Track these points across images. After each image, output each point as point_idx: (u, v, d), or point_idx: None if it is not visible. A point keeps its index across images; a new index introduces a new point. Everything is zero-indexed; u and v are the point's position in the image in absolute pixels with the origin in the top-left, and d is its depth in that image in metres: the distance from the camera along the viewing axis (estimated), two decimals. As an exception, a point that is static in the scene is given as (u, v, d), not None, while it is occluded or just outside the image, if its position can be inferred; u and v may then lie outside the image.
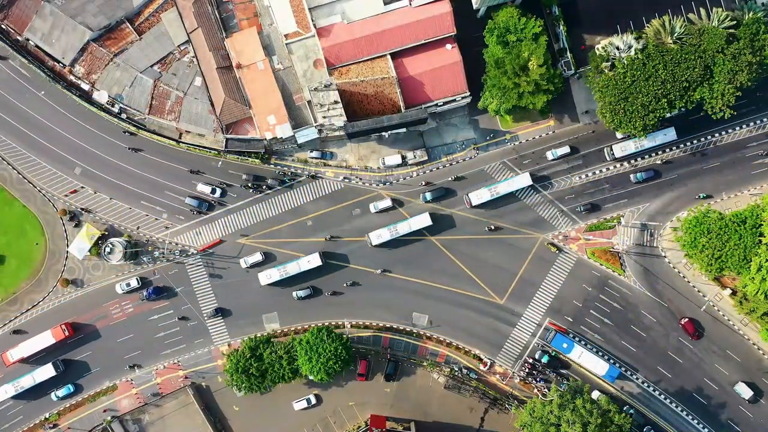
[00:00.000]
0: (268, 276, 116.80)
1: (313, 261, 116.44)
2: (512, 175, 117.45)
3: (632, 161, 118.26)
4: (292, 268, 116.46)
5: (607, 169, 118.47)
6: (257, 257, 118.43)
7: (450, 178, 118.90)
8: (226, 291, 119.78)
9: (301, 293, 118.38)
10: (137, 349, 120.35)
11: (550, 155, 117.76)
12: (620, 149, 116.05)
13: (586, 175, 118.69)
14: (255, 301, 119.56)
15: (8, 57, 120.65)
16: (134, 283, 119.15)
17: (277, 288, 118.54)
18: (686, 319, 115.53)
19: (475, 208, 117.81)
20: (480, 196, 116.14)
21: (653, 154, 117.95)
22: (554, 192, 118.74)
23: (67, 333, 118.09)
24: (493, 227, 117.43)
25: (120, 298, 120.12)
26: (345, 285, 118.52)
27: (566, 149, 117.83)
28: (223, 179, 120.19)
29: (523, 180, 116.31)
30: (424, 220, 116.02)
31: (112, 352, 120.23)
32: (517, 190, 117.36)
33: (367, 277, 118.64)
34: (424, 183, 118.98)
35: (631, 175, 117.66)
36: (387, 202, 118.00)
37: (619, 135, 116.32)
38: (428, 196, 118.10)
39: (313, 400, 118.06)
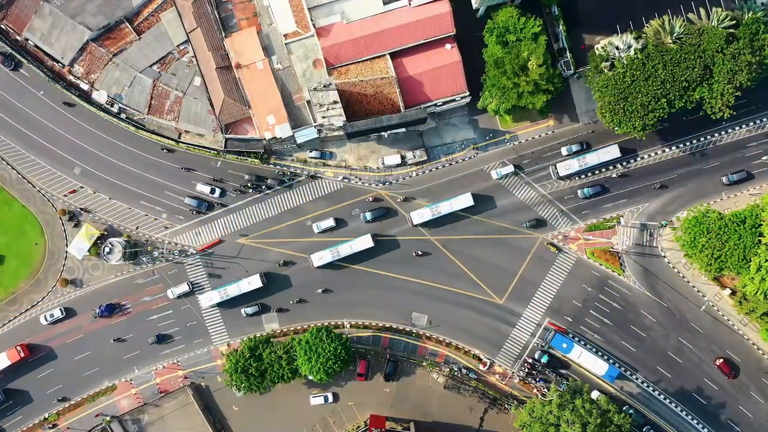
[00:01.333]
0: (209, 298, 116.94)
1: (254, 283, 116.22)
2: (455, 195, 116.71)
3: (604, 169, 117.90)
4: (233, 290, 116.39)
5: (607, 169, 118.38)
6: (184, 287, 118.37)
7: (400, 199, 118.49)
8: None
9: (249, 310, 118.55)
10: (136, 349, 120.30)
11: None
12: (564, 168, 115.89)
13: (586, 175, 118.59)
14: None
15: (20, 64, 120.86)
16: (58, 314, 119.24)
17: (276, 287, 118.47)
18: (721, 360, 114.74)
19: (476, 208, 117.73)
20: (422, 215, 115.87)
21: (612, 167, 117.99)
22: (554, 192, 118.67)
23: (22, 354, 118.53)
24: (420, 252, 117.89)
25: (120, 298, 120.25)
26: (318, 291, 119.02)
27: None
28: (221, 179, 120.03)
29: (465, 200, 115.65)
30: (366, 242, 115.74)
31: (113, 353, 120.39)
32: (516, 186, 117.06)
33: (366, 278, 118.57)
34: (371, 199, 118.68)
35: (579, 191, 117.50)
36: (330, 222, 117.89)
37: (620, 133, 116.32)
38: (368, 216, 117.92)
39: (330, 398, 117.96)
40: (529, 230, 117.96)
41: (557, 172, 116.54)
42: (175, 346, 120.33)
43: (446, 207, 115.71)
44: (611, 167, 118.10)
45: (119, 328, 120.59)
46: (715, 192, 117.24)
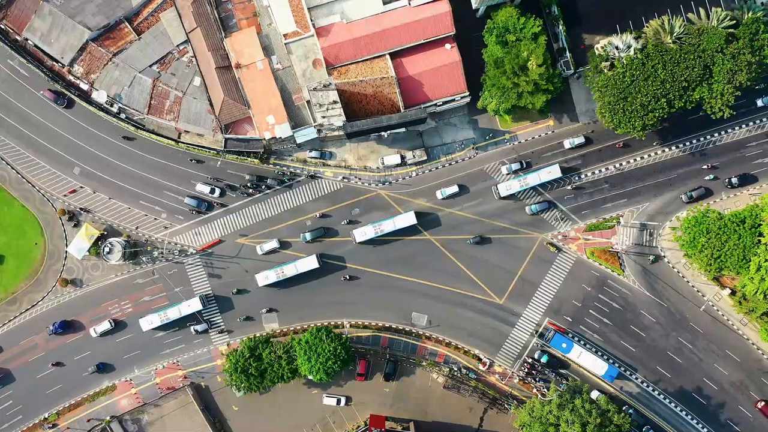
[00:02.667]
0: (149, 322, 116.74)
1: (193, 305, 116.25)
2: (399, 212, 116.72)
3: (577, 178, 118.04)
4: (173, 314, 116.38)
5: (607, 169, 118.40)
6: (105, 325, 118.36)
7: (344, 222, 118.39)
8: (225, 291, 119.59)
9: (199, 328, 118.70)
10: (136, 349, 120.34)
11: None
12: (505, 188, 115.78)
13: (585, 175, 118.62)
14: (254, 301, 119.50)
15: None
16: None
17: (275, 288, 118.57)
18: (763, 403, 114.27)
19: (470, 210, 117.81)
20: (364, 233, 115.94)
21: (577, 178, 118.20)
22: (554, 192, 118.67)
23: None
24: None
25: (119, 298, 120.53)
26: (263, 311, 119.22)
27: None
28: (221, 179, 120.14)
29: (408, 218, 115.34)
30: (311, 263, 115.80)
31: (113, 354, 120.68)
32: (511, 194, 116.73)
33: (365, 277, 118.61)
34: (319, 215, 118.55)
35: (526, 207, 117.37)
36: (273, 244, 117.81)
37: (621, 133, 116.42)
38: (308, 236, 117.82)
39: (343, 402, 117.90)
40: (529, 230, 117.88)
41: (498, 193, 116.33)
42: (176, 346, 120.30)
43: (389, 225, 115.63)
44: (612, 167, 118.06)
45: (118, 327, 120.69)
46: (715, 192, 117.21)
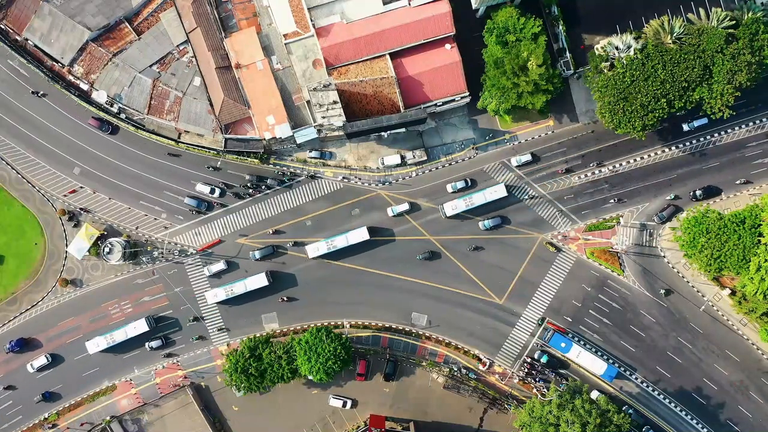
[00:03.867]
0: (96, 344, 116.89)
1: (139, 327, 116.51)
2: (353, 228, 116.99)
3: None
4: (119, 336, 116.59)
5: (607, 169, 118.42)
6: (42, 360, 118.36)
7: (291, 244, 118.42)
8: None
9: (153, 344, 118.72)
10: (136, 349, 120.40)
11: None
12: (451, 208, 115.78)
13: (585, 175, 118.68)
14: (253, 301, 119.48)
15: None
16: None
17: (274, 289, 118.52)
18: None
19: (470, 210, 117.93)
20: (317, 248, 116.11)
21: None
22: (553, 192, 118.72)
23: None
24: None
25: (119, 298, 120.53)
26: (281, 300, 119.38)
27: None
28: (223, 179, 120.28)
29: (361, 234, 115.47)
30: (260, 280, 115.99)
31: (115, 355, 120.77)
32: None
33: (366, 278, 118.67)
34: (272, 231, 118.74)
35: (479, 222, 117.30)
36: (221, 265, 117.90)
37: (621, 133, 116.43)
38: (257, 254, 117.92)
39: (349, 404, 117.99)
40: (529, 230, 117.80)
41: (444, 212, 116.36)
42: (175, 346, 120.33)
43: (342, 241, 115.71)
44: (612, 167, 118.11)
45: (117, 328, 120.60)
46: (684, 208, 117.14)
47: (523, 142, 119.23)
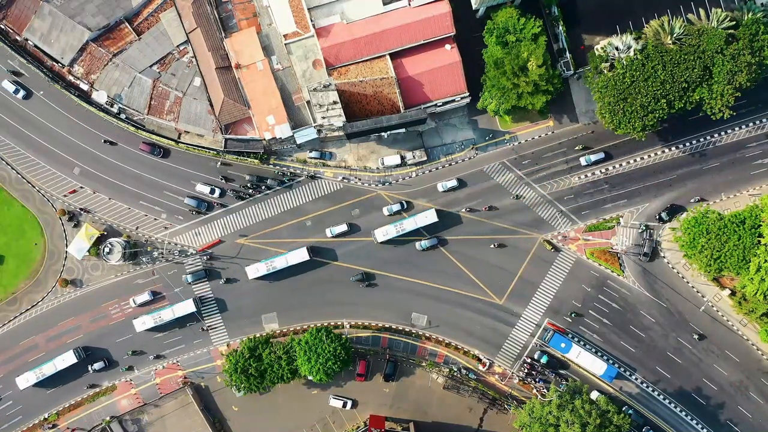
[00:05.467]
0: (26, 380, 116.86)
1: (68, 359, 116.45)
2: (290, 250, 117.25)
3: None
4: (48, 369, 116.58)
5: (607, 169, 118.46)
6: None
7: (222, 282, 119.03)
8: (224, 291, 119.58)
9: (97, 366, 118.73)
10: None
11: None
12: (381, 234, 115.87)
13: (586, 176, 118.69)
14: (254, 302, 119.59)
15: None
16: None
17: (275, 289, 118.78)
18: None
19: (469, 212, 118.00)
20: (257, 269, 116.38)
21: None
22: (553, 192, 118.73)
23: None
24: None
25: (119, 298, 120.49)
26: (202, 329, 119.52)
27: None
28: (226, 180, 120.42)
29: (301, 254, 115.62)
30: (188, 306, 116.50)
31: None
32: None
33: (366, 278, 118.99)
34: (206, 258, 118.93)
35: (416, 244, 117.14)
36: (144, 296, 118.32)
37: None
38: (189, 278, 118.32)
39: (350, 405, 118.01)
40: (529, 230, 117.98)
41: (375, 238, 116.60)
42: (175, 346, 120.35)
43: (281, 262, 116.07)
44: (612, 167, 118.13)
45: (118, 329, 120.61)
46: (715, 192, 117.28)
47: (523, 142, 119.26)
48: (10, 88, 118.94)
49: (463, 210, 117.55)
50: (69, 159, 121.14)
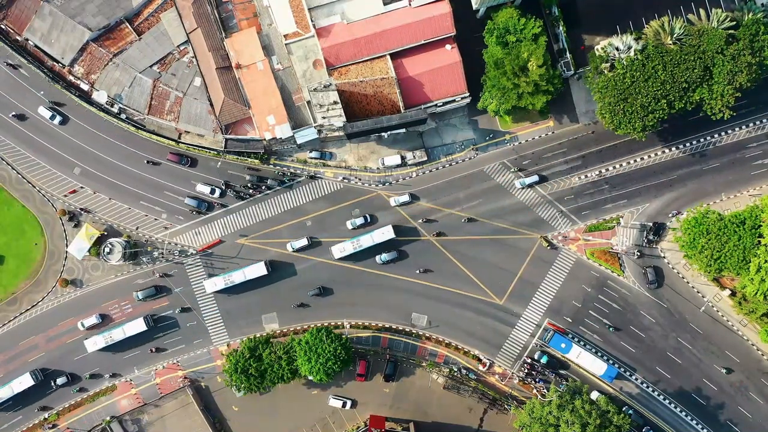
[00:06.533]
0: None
1: (24, 382, 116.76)
2: (247, 264, 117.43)
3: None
4: (4, 393, 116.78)
5: (607, 170, 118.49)
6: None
7: (179, 289, 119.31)
8: (224, 291, 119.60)
9: (59, 381, 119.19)
10: (136, 349, 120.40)
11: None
12: (338, 251, 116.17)
13: (586, 176, 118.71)
14: (254, 302, 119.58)
15: (20, 66, 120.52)
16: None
17: (277, 288, 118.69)
18: None
19: (470, 211, 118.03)
20: (215, 284, 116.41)
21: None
22: (553, 192, 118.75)
23: None
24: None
25: (120, 298, 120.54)
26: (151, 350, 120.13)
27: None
28: (228, 182, 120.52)
29: (258, 269, 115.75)
30: (138, 325, 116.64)
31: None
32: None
33: (366, 278, 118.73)
34: (158, 275, 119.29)
35: (377, 257, 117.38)
36: (93, 319, 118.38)
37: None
38: (140, 295, 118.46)
39: (349, 405, 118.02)
40: (529, 230, 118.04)
41: (333, 255, 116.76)
42: (175, 346, 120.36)
43: (239, 276, 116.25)
44: (612, 167, 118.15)
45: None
46: (715, 192, 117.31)
47: (523, 142, 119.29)
48: (47, 114, 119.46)
49: (420, 221, 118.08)
50: (69, 159, 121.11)
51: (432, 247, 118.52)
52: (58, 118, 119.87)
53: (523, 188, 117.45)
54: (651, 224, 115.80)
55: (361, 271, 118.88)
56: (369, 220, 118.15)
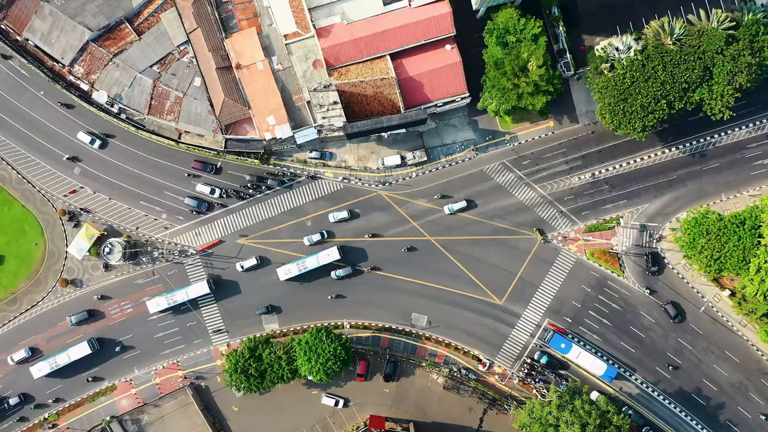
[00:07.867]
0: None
1: (83, 350, 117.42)
2: (193, 282, 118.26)
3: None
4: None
5: (607, 170, 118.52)
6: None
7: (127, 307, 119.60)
8: (224, 291, 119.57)
9: (12, 401, 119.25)
10: (136, 349, 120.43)
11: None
12: (284, 272, 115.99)
13: (586, 176, 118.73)
14: (254, 302, 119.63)
15: (11, 57, 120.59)
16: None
17: (278, 288, 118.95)
18: None
19: (470, 211, 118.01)
20: (158, 303, 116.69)
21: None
22: (553, 193, 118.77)
23: None
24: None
25: (120, 298, 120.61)
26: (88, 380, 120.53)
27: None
28: (225, 180, 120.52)
29: (201, 288, 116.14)
30: (83, 349, 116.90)
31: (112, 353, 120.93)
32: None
33: (366, 278, 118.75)
34: (98, 297, 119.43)
35: (332, 272, 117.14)
36: (21, 353, 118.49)
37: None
38: (73, 319, 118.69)
39: (341, 404, 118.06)
40: (529, 231, 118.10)
41: (278, 276, 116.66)
42: (175, 346, 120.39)
43: (182, 295, 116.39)
44: (612, 167, 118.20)
45: (118, 329, 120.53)
46: (715, 193, 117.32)
47: (523, 142, 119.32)
48: (86, 139, 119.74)
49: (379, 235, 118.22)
50: (69, 159, 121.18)
51: (432, 247, 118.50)
52: (98, 142, 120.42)
53: (451, 214, 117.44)
54: (647, 254, 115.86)
55: (359, 271, 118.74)
56: (326, 236, 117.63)
